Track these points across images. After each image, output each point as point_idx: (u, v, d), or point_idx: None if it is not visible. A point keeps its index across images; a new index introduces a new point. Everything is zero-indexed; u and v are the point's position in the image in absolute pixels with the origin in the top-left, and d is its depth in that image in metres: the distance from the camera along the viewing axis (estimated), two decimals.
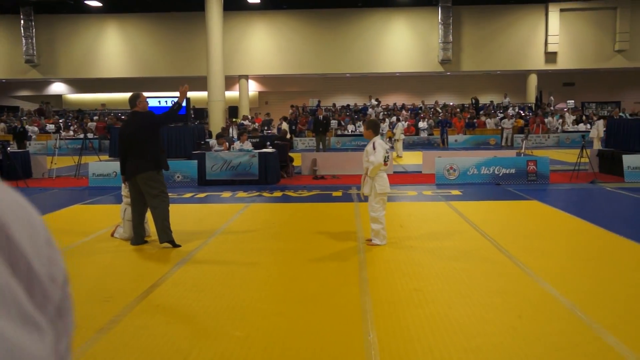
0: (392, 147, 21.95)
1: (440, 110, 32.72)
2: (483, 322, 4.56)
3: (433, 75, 35.65)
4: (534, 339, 4.19)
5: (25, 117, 34.40)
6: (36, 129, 31.02)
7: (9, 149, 15.78)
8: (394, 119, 28.81)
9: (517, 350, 4.01)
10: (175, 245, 7.30)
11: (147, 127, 7.30)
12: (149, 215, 7.63)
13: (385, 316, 4.71)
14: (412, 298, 5.18)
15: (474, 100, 33.57)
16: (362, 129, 7.56)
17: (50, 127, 29.98)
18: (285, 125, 22.28)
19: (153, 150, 7.31)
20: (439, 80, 37.44)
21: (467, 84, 37.30)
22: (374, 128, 7.56)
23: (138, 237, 7.49)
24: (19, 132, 23.58)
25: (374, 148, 7.28)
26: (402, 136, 23.27)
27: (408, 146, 28.19)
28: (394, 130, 23.97)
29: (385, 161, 7.32)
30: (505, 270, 6.05)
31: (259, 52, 33.13)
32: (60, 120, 33.29)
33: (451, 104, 35.31)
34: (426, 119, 30.54)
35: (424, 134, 29.71)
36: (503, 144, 28.08)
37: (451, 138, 28.64)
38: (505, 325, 4.47)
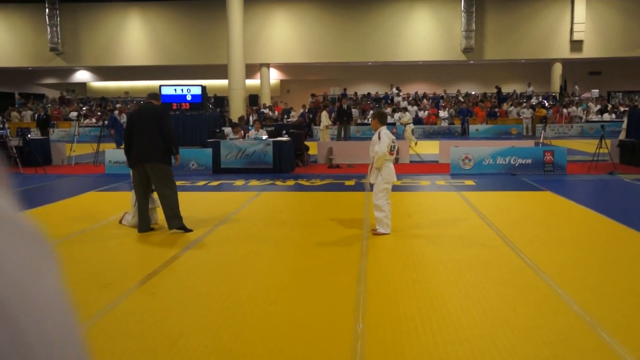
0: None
1: (462, 100, 32.39)
2: (476, 313, 4.52)
3: (455, 63, 35.26)
4: (526, 332, 4.14)
5: (49, 105, 34.89)
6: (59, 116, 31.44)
7: (29, 136, 16.01)
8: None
9: (505, 342, 3.97)
10: (186, 230, 7.40)
11: (156, 119, 7.36)
12: (159, 203, 7.71)
13: (378, 307, 4.69)
14: (408, 288, 5.15)
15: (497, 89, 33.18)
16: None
17: (73, 114, 30.36)
18: (325, 115, 22.07)
19: (162, 140, 7.36)
20: (461, 69, 37.02)
21: (490, 73, 36.85)
22: (380, 118, 7.52)
23: (144, 223, 7.55)
24: (42, 120, 23.90)
25: (379, 138, 7.24)
26: (411, 126, 22.69)
27: (428, 135, 28.01)
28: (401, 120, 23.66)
29: (390, 151, 7.28)
30: (506, 262, 5.98)
31: (280, 40, 33.09)
32: (84, 108, 33.65)
33: (473, 92, 34.95)
34: (447, 108, 30.25)
35: (444, 123, 29.44)
36: (524, 133, 27.75)
37: (472, 127, 28.35)
38: (498, 318, 4.42)
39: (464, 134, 28.21)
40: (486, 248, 6.57)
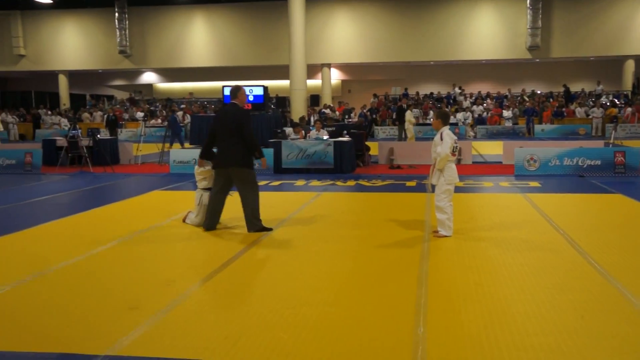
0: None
1: (527, 99, 31.54)
2: (542, 319, 4.37)
3: (520, 62, 34.35)
4: (596, 341, 3.97)
5: (118, 105, 36.03)
6: (126, 116, 32.38)
7: (99, 136, 16.56)
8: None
9: (574, 352, 3.81)
10: (266, 230, 7.52)
11: (237, 123, 7.39)
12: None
13: (439, 310, 4.60)
14: (470, 292, 5.03)
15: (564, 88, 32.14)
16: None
17: (139, 114, 31.26)
18: (410, 115, 21.36)
19: (246, 145, 7.42)
20: (526, 67, 36.03)
21: (557, 72, 35.72)
22: (443, 118, 7.38)
23: (212, 222, 7.72)
24: (111, 120, 24.67)
25: (442, 139, 7.12)
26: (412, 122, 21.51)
27: (491, 135, 27.44)
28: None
29: (453, 152, 7.14)
30: (574, 266, 5.77)
31: (341, 40, 33.06)
32: (151, 108, 34.56)
33: (539, 92, 33.96)
34: (511, 108, 29.52)
35: (508, 123, 28.75)
36: (593, 134, 26.80)
37: (537, 128, 27.58)
38: (566, 325, 4.26)
39: (529, 134, 27.48)
40: (552, 252, 6.36)
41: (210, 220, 7.74)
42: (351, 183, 12.38)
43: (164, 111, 33.20)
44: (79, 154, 15.66)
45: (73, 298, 5.06)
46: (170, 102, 35.90)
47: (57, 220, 8.72)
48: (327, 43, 32.98)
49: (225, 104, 7.66)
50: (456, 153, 7.24)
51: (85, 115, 33.18)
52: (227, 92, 16.59)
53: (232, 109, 7.59)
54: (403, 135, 24.04)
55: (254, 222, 7.51)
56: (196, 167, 8.23)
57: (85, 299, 5.04)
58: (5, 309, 4.82)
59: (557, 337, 4.04)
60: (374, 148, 16.82)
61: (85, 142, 15.66)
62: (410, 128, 21.06)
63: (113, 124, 24.44)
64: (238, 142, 7.37)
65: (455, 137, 7.25)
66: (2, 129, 23.81)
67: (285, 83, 27.93)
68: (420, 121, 28.79)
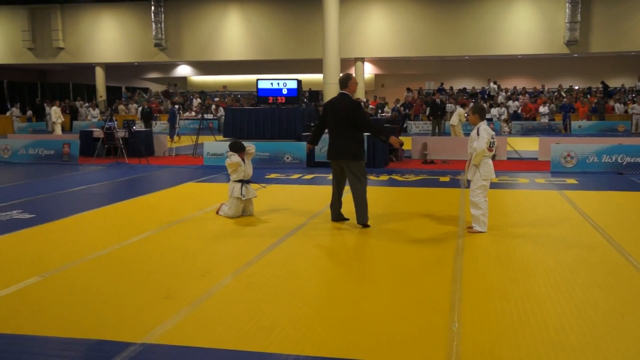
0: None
1: (564, 95, 30.95)
2: (580, 319, 4.28)
3: (557, 57, 33.71)
4: (638, 343, 3.88)
5: (153, 98, 36.46)
6: (161, 108, 32.78)
7: (134, 128, 16.77)
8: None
9: (614, 352, 3.72)
10: (365, 226, 7.43)
11: (352, 115, 7.30)
12: (255, 194, 7.85)
13: (474, 306, 4.54)
14: (506, 289, 4.96)
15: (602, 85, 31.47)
16: None
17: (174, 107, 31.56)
18: (461, 112, 20.62)
19: (360, 136, 7.44)
20: (564, 62, 35.35)
21: (595, 67, 34.97)
22: (480, 113, 7.28)
23: (334, 214, 7.73)
24: (145, 112, 24.97)
25: (478, 134, 7.03)
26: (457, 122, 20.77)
27: (527, 132, 27.02)
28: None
29: (489, 147, 7.05)
30: (613, 266, 5.64)
31: (375, 35, 32.87)
32: (187, 100, 34.88)
33: (576, 87, 33.32)
34: (547, 104, 29.00)
35: (544, 119, 28.27)
36: (633, 130, 26.19)
37: (574, 124, 27.06)
38: (606, 325, 4.17)
39: (565, 131, 26.99)
40: (590, 250, 6.23)
41: (334, 212, 7.73)
42: (384, 177, 12.32)
43: (198, 105, 33.48)
44: (114, 146, 15.89)
45: (110, 286, 5.14)
46: (204, 94, 36.20)
47: (94, 210, 8.86)
48: (361, 37, 32.83)
49: (339, 94, 7.51)
50: (493, 148, 7.15)
51: (121, 107, 33.65)
52: (258, 86, 16.64)
53: (343, 100, 7.43)
54: (437, 130, 23.86)
55: (363, 214, 7.42)
56: (226, 159, 8.29)
57: (121, 287, 5.11)
58: (45, 295, 4.92)
59: (597, 337, 3.95)
60: (407, 143, 16.69)
61: (121, 133, 15.88)
62: (457, 128, 20.32)
63: (148, 116, 24.73)
64: (349, 134, 7.32)
65: (493, 133, 7.16)
66: (59, 120, 24.34)
67: (318, 77, 27.92)
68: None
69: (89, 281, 5.30)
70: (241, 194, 8.04)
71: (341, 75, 7.68)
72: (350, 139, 7.32)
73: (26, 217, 8.21)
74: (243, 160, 8.26)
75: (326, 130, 7.72)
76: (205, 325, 4.21)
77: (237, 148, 8.31)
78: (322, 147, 14.14)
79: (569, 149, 13.13)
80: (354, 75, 7.83)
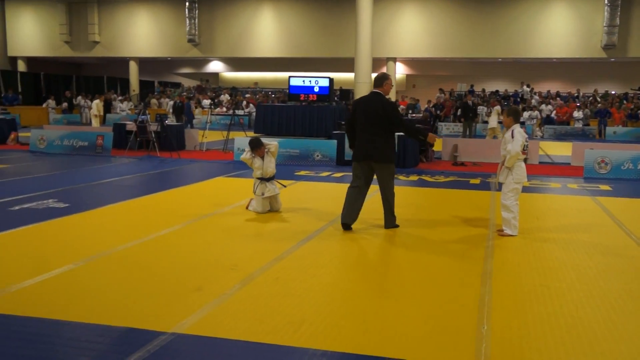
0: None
1: (599, 100, 30.42)
2: (612, 326, 4.22)
3: (593, 61, 33.14)
4: None
5: (184, 93, 36.82)
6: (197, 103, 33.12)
7: (166, 122, 16.97)
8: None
9: None
10: (396, 226, 7.34)
11: (388, 114, 7.01)
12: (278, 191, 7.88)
13: (503, 309, 4.51)
14: (536, 293, 4.91)
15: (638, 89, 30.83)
16: None
17: (206, 102, 31.85)
18: (498, 109, 20.09)
19: (392, 138, 7.19)
20: (599, 67, 34.74)
21: (632, 72, 34.27)
22: (515, 116, 7.22)
23: (347, 217, 7.18)
24: (177, 107, 25.26)
25: (513, 136, 6.97)
26: (495, 124, 20.35)
27: (559, 136, 26.65)
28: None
29: (523, 150, 6.98)
30: None
31: (408, 34, 32.70)
32: (220, 96, 35.15)
33: (613, 92, 32.69)
34: (582, 109, 28.54)
35: (578, 125, 27.83)
36: None
37: (609, 130, 26.58)
38: (638, 333, 4.11)
39: (599, 136, 26.53)
40: (624, 258, 6.13)
41: (346, 214, 7.19)
42: (414, 178, 12.28)
43: (229, 101, 33.72)
44: (147, 139, 16.10)
45: (141, 277, 5.22)
46: (235, 91, 36.45)
47: (126, 201, 9.00)
48: (394, 37, 32.70)
49: (372, 93, 7.21)
50: (526, 152, 7.08)
51: (153, 101, 34.05)
52: (290, 83, 16.70)
53: (377, 99, 7.08)
54: (467, 132, 23.68)
55: (391, 218, 7.30)
56: (248, 156, 8.27)
57: (152, 278, 5.19)
58: (78, 283, 5.02)
59: (629, 345, 3.90)
60: (437, 144, 16.59)
61: (153, 127, 16.07)
62: (493, 129, 20.04)
63: (179, 111, 25.02)
64: (382, 134, 7.00)
65: (527, 136, 7.09)
66: (99, 113, 24.87)
67: (349, 76, 27.87)
68: (485, 119, 28.23)
69: (120, 271, 5.39)
70: (259, 192, 8.08)
71: (378, 73, 7.44)
72: (383, 139, 7.03)
73: (61, 206, 8.37)
74: (262, 158, 8.26)
75: None
76: (235, 318, 4.25)
77: (253, 144, 8.29)
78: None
79: (603, 154, 12.92)
80: (390, 75, 7.59)
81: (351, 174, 7.46)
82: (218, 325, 4.11)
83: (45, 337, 3.90)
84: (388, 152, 7.12)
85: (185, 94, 36.51)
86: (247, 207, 8.39)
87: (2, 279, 5.02)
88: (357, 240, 6.78)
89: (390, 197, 7.27)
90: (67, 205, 8.44)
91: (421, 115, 24.17)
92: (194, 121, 27.31)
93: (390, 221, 7.34)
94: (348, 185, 7.39)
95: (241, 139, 15.38)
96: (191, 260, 5.77)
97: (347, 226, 7.18)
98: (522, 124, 25.93)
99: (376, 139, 7.03)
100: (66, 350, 3.72)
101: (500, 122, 18.51)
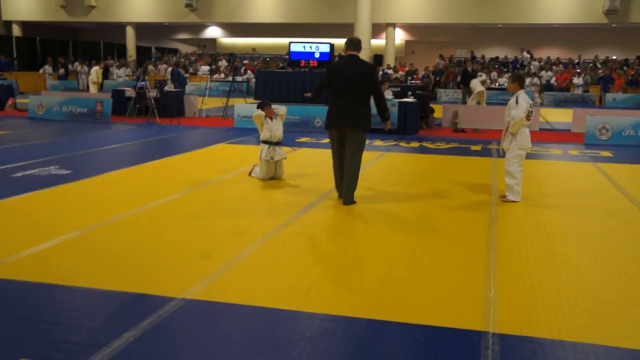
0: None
1: (599, 66, 30.22)
2: (617, 289, 4.28)
3: (595, 27, 32.81)
4: None
5: (182, 59, 36.46)
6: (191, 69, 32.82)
7: (165, 88, 16.86)
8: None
9: None
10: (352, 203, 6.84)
11: (365, 79, 6.65)
12: (285, 155, 7.88)
13: (509, 274, 4.56)
14: (541, 258, 4.96)
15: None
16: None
17: (204, 68, 31.57)
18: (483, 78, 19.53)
19: (368, 105, 6.77)
20: (601, 32, 34.41)
21: (633, 38, 33.97)
22: (519, 81, 7.19)
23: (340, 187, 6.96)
24: (175, 73, 25.00)
25: (517, 102, 6.95)
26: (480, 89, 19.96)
27: (559, 103, 26.55)
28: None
29: (527, 116, 6.97)
30: None
31: (407, 0, 32.30)
32: (219, 62, 34.82)
33: (614, 58, 32.45)
34: (582, 75, 28.38)
35: (577, 91, 27.71)
36: None
37: (609, 96, 26.46)
38: None
39: (600, 103, 26.43)
40: (626, 222, 6.18)
41: (337, 185, 7.02)
42: (415, 144, 12.27)
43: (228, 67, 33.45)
44: (146, 105, 16.00)
45: (148, 243, 5.24)
46: (233, 57, 36.10)
47: (129, 167, 9.00)
48: (393, 2, 32.26)
49: (349, 55, 6.77)
50: (531, 118, 7.07)
51: (150, 67, 33.73)
52: (290, 49, 16.54)
53: (358, 61, 6.70)
54: (467, 99, 23.57)
55: (352, 192, 6.79)
56: (258, 121, 8.19)
57: (159, 244, 5.21)
58: (86, 249, 5.04)
59: (634, 307, 3.95)
60: (437, 111, 16.55)
61: (152, 93, 15.96)
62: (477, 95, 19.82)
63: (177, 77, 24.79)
64: (362, 101, 6.65)
65: (532, 102, 7.07)
66: (98, 80, 24.69)
67: None
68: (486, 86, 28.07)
69: (127, 237, 5.41)
70: (268, 156, 8.03)
71: (351, 37, 6.88)
72: (362, 107, 6.67)
73: (63, 172, 8.37)
74: (270, 119, 8.20)
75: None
76: (244, 284, 4.28)
77: (262, 104, 8.28)
78: None
79: (604, 121, 12.91)
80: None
81: None
82: (227, 291, 4.14)
83: (53, 302, 3.93)
84: (367, 120, 6.75)
85: (183, 60, 36.18)
86: (249, 174, 8.39)
87: (11, 245, 5.04)
88: (360, 207, 6.79)
89: (355, 169, 6.75)
90: (69, 172, 8.44)
91: (422, 82, 24.01)
92: (192, 88, 27.10)
93: (351, 194, 6.81)
94: None
95: (241, 105, 15.31)
96: (196, 226, 5.79)
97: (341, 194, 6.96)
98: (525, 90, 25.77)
99: (357, 106, 6.66)
100: (77, 315, 3.75)
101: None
